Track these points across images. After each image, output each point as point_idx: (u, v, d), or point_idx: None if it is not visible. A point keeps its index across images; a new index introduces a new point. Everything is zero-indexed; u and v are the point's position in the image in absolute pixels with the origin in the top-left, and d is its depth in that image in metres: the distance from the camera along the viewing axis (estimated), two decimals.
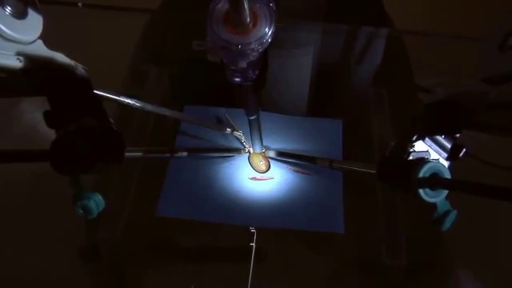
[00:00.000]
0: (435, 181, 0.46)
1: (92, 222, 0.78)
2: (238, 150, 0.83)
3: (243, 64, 0.51)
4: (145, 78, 0.94)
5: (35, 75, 0.43)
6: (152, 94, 0.91)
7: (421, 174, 0.46)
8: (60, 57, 0.45)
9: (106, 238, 0.74)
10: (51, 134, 0.47)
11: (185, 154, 0.79)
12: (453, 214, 0.49)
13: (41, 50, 0.43)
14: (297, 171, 0.82)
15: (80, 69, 0.48)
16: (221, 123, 0.88)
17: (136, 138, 0.83)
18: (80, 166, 0.45)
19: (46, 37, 0.43)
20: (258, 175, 0.81)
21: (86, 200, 0.49)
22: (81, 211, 0.50)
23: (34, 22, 0.41)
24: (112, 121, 0.50)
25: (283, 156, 0.82)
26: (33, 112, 0.83)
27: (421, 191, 0.46)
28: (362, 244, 0.77)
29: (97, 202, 0.50)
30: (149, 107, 0.72)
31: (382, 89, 0.95)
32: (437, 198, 0.48)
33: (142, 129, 0.85)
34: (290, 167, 0.82)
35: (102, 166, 0.48)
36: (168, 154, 0.79)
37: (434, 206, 0.49)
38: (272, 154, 0.82)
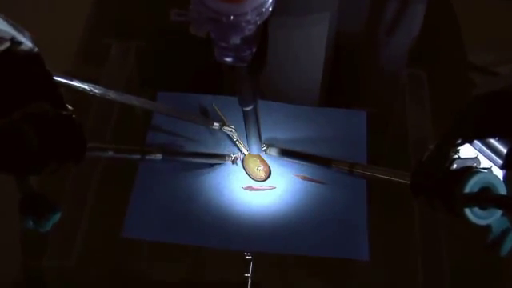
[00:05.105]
0: (486, 198, 0.46)
1: (35, 245, 0.79)
2: (227, 157, 0.83)
3: (236, 40, 0.52)
4: (105, 56, 0.95)
5: None
6: (115, 77, 0.92)
7: (467, 189, 0.46)
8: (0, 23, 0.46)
9: (55, 267, 0.75)
10: None
11: (159, 156, 0.80)
12: None
13: None
14: (306, 179, 0.83)
15: (27, 37, 0.49)
16: (206, 116, 0.89)
17: (93, 135, 0.84)
18: (29, 163, 0.46)
19: None
20: (254, 184, 0.82)
21: (39, 208, 0.51)
22: (30, 223, 0.51)
23: None
24: (70, 107, 0.51)
25: (287, 156, 0.83)
26: None
27: (467, 211, 0.47)
28: (393, 274, 0.78)
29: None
30: (111, 94, 0.73)
31: (420, 70, 0.96)
32: (488, 219, 0.48)
33: (102, 123, 0.86)
34: (296, 174, 0.83)
35: (57, 165, 0.49)
36: (138, 155, 0.80)
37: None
38: (273, 152, 0.83)
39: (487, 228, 0.50)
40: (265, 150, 0.83)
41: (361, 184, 0.81)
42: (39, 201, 0.52)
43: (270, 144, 0.84)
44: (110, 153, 0.68)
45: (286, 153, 0.83)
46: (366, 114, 0.90)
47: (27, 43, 0.49)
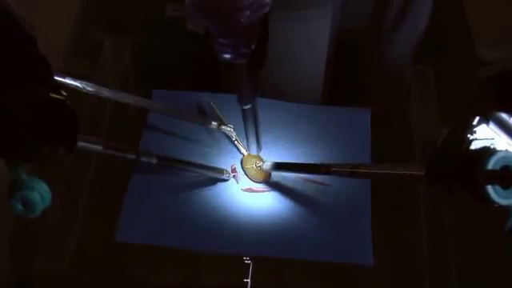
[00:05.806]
0: (510, 175, 0.46)
1: (26, 247, 0.80)
2: (225, 172, 0.82)
3: (235, 36, 0.53)
4: (98, 52, 0.95)
5: None
6: (109, 75, 0.92)
7: (490, 167, 0.47)
8: None
9: (46, 270, 0.75)
10: None
11: (154, 160, 0.79)
12: None
13: None
14: (308, 180, 0.83)
15: (22, 20, 0.49)
16: (204, 114, 0.89)
17: (86, 134, 0.84)
18: (23, 145, 0.47)
19: None
20: (254, 185, 0.82)
21: (28, 190, 0.51)
22: (19, 206, 0.51)
23: None
24: (64, 93, 0.52)
25: (283, 169, 0.82)
26: None
27: (490, 189, 0.47)
28: (398, 280, 0.78)
29: (42, 194, 0.52)
30: (104, 92, 0.73)
31: (426, 67, 0.96)
32: (510, 198, 0.49)
33: (95, 122, 0.86)
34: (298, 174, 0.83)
35: (50, 151, 0.49)
36: (132, 155, 0.79)
37: (495, 219, 0.51)
38: (267, 167, 0.81)
39: (498, 218, 0.50)
40: (260, 166, 0.82)
41: (365, 185, 0.81)
42: (28, 183, 0.52)
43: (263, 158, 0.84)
44: (101, 147, 0.68)
45: (281, 166, 0.81)
46: (370, 112, 0.90)
47: (22, 25, 0.49)
